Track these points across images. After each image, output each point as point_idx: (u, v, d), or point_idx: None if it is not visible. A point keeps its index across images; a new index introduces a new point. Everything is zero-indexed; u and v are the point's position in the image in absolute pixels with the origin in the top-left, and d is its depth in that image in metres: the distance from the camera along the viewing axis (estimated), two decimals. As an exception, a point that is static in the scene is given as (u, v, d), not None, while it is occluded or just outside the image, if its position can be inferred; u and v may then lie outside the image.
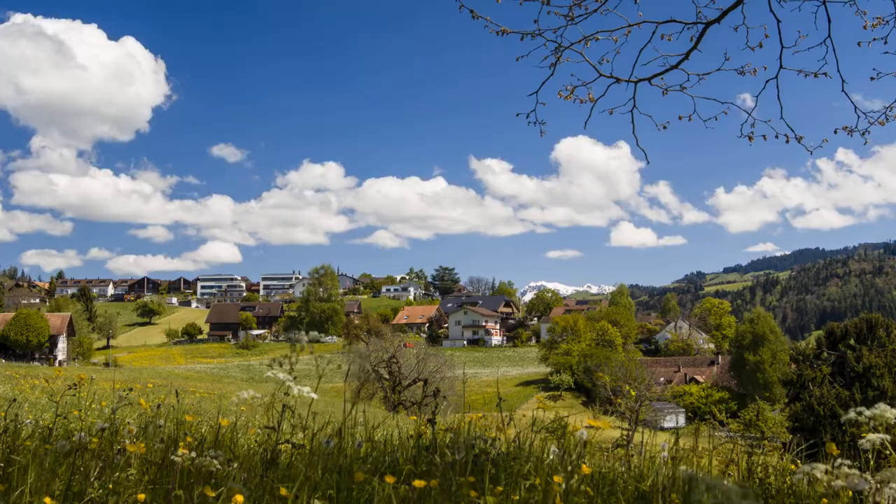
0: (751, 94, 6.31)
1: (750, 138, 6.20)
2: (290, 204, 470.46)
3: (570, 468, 3.56)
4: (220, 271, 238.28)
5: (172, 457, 3.02)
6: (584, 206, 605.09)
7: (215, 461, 3.03)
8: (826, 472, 3.05)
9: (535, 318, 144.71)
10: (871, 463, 3.26)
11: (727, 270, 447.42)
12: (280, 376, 3.27)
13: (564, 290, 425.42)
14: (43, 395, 14.81)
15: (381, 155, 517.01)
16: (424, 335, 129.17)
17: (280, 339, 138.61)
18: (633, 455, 4.45)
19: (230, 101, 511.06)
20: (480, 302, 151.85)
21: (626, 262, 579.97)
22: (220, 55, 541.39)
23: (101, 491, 3.28)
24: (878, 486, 2.92)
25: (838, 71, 5.96)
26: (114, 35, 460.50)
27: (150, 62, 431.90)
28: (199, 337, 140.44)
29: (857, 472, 2.95)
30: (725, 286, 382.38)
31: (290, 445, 3.49)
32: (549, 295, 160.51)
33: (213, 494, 2.81)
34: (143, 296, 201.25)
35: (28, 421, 5.35)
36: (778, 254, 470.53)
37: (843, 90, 6.04)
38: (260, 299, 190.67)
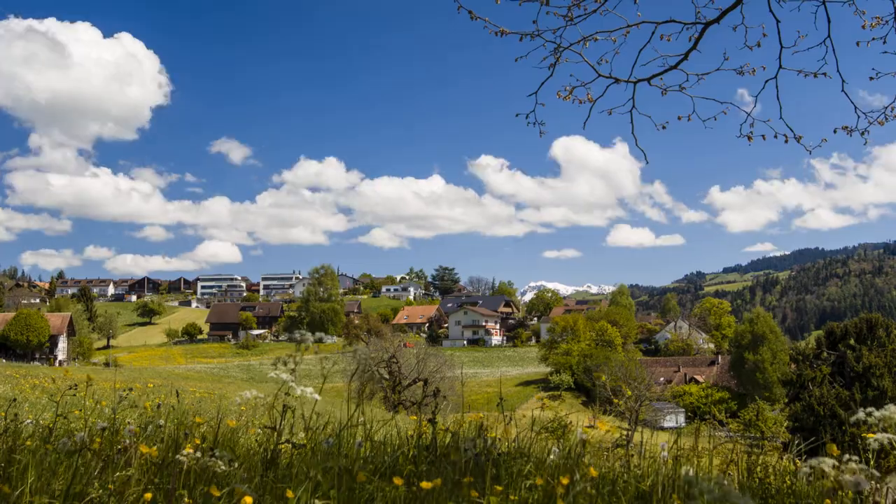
0: (750, 93, 6.31)
1: (749, 138, 6.20)
2: (290, 203, 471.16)
3: (576, 469, 3.56)
4: (220, 271, 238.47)
5: (177, 456, 3.03)
6: (584, 206, 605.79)
7: (220, 462, 3.04)
8: (834, 466, 3.05)
9: (535, 318, 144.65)
10: (872, 462, 3.26)
11: (727, 270, 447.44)
12: (283, 377, 3.27)
13: (564, 290, 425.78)
14: (43, 395, 14.81)
15: (380, 155, 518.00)
16: (424, 335, 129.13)
17: (280, 339, 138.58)
18: (633, 455, 4.45)
19: (230, 101, 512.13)
20: (480, 302, 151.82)
21: (626, 262, 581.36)
22: (220, 55, 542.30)
23: (101, 491, 3.28)
24: (879, 485, 2.93)
25: (838, 71, 5.97)
26: (114, 34, 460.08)
27: (150, 61, 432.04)
28: (200, 337, 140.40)
29: (864, 467, 2.95)
30: (725, 286, 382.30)
31: (290, 445, 3.50)
32: (549, 295, 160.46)
33: (218, 494, 2.81)
34: (144, 296, 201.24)
35: (28, 421, 5.36)
36: (778, 254, 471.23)
37: (842, 90, 6.05)
38: (260, 299, 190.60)
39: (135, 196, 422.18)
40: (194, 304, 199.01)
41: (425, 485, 2.91)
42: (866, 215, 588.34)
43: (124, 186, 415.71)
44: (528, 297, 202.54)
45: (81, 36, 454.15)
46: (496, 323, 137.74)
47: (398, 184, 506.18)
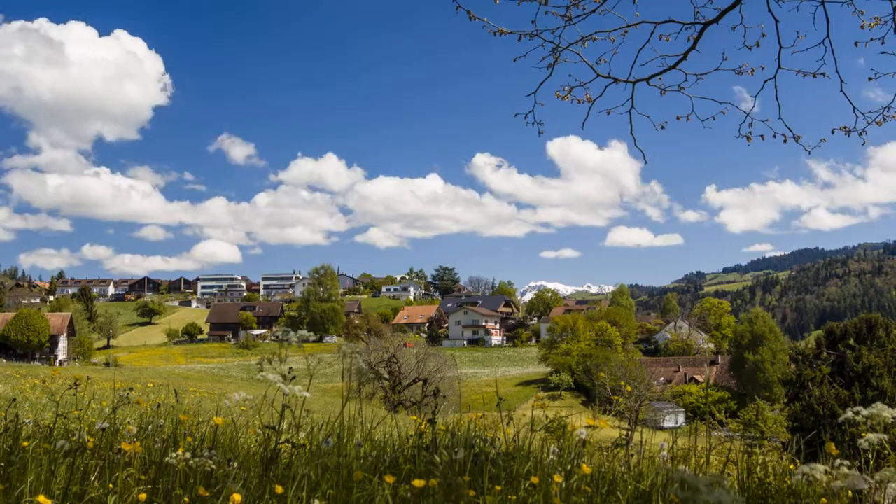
0: (750, 94, 6.32)
1: (748, 138, 6.20)
2: (289, 203, 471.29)
3: (569, 468, 3.56)
4: (221, 271, 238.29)
5: (167, 459, 3.03)
6: (583, 206, 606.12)
7: (210, 461, 3.04)
8: (826, 472, 3.05)
9: (535, 318, 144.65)
10: (871, 462, 3.26)
11: (727, 270, 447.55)
12: (270, 377, 3.26)
13: (564, 290, 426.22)
14: (43, 395, 14.81)
15: (380, 154, 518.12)
16: (424, 335, 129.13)
17: (280, 339, 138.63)
18: (632, 455, 4.46)
19: (229, 101, 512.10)
20: (480, 302, 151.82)
21: (626, 262, 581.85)
22: (220, 54, 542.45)
23: (101, 490, 3.28)
24: (878, 485, 2.93)
25: (837, 71, 5.97)
26: (112, 33, 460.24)
27: (151, 61, 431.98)
28: (200, 337, 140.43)
29: (856, 472, 2.95)
30: (725, 286, 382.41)
31: (289, 445, 3.50)
32: (549, 295, 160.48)
33: (207, 494, 2.81)
34: (144, 296, 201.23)
35: (28, 420, 5.36)
36: (777, 254, 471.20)
37: (841, 90, 6.05)
38: (260, 299, 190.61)
39: (134, 195, 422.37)
40: (194, 304, 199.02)
41: (418, 483, 2.92)
42: (866, 215, 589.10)
43: (123, 186, 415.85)
44: (528, 297, 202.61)
45: (79, 34, 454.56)
46: (496, 323, 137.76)
47: (398, 183, 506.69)
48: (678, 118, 6.40)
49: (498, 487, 3.21)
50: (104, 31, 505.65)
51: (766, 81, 6.10)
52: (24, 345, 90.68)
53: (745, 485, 4.01)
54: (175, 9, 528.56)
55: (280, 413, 3.52)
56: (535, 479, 3.25)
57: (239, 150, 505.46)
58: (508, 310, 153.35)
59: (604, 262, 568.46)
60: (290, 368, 3.46)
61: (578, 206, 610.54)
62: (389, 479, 2.97)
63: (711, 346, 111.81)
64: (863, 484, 2.87)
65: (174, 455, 3.03)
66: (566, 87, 6.27)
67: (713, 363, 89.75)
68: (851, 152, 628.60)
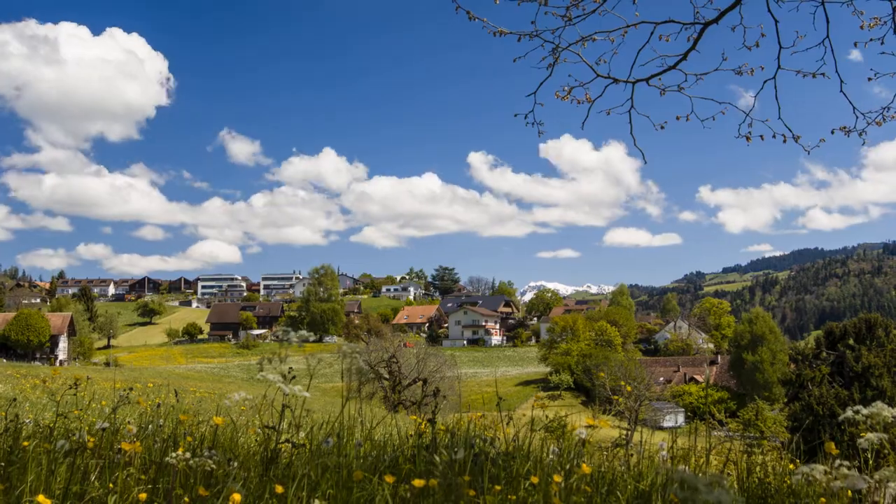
0: (749, 93, 6.32)
1: (747, 138, 6.20)
2: (289, 203, 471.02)
3: (569, 467, 3.57)
4: (221, 271, 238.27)
5: (167, 458, 3.03)
6: (582, 206, 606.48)
7: (210, 461, 3.04)
8: (825, 472, 3.05)
9: (535, 318, 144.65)
10: (871, 462, 3.26)
11: (726, 270, 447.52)
12: (270, 377, 3.27)
13: (564, 290, 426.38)
14: (43, 395, 14.82)
15: (379, 154, 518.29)
16: (424, 335, 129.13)
17: (280, 339, 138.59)
18: (632, 454, 4.46)
19: (228, 101, 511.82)
20: (480, 302, 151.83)
21: (625, 262, 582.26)
22: (220, 54, 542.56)
23: (101, 490, 3.29)
24: (877, 485, 2.93)
25: (836, 71, 5.97)
26: (112, 33, 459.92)
27: (149, 60, 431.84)
28: (200, 337, 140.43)
29: (855, 472, 2.95)
30: (725, 286, 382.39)
31: (289, 445, 3.50)
32: (549, 295, 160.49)
33: (207, 493, 2.82)
34: (144, 296, 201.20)
35: (28, 420, 5.36)
36: (777, 254, 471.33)
37: (841, 90, 6.05)
38: (260, 299, 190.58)
39: (133, 195, 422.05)
40: (195, 304, 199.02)
41: (418, 483, 2.92)
42: (865, 215, 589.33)
43: (122, 185, 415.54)
44: (528, 297, 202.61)
45: (78, 33, 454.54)
46: (496, 323, 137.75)
47: (396, 183, 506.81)
48: (678, 118, 6.41)
49: (498, 487, 3.21)
50: (98, 31, 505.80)
51: (765, 81, 6.10)
52: (25, 345, 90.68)
53: (745, 485, 4.02)
54: (175, 9, 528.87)
55: (280, 413, 3.52)
56: (534, 479, 3.25)
57: (238, 150, 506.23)
58: (508, 310, 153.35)
59: (603, 262, 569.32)
60: (290, 368, 3.46)
61: (577, 205, 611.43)
62: (389, 478, 2.97)
63: (711, 346, 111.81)
64: (862, 484, 2.87)
65: (174, 455, 3.03)
66: (566, 88, 6.27)
67: (713, 363, 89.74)
68: (851, 152, 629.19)
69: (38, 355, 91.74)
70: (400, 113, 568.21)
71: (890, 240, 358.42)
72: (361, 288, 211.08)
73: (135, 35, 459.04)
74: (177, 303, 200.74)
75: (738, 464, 4.21)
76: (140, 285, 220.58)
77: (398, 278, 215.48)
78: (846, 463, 2.98)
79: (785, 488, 3.87)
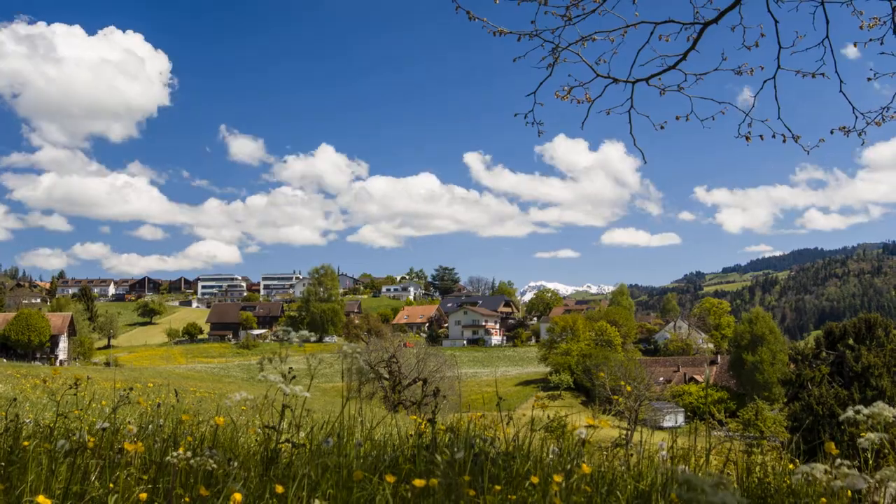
0: (750, 93, 6.32)
1: (747, 138, 6.20)
2: (288, 203, 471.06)
3: (569, 467, 3.57)
4: (221, 271, 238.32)
5: (167, 458, 3.03)
6: (582, 206, 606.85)
7: (211, 461, 3.04)
8: (825, 471, 3.05)
9: (535, 318, 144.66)
10: (871, 462, 3.26)
11: (726, 270, 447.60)
12: (270, 377, 3.27)
13: (564, 290, 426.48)
14: (44, 395, 14.82)
15: (379, 154, 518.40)
16: (424, 335, 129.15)
17: (281, 339, 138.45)
18: (632, 454, 4.46)
19: (228, 101, 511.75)
20: (480, 302, 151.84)
21: (625, 262, 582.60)
22: (220, 54, 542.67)
23: (101, 490, 3.29)
24: (878, 485, 2.93)
25: (836, 71, 5.97)
26: (110, 32, 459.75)
27: (150, 60, 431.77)
28: (200, 337, 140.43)
29: (856, 472, 2.95)
30: (725, 286, 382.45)
31: (290, 445, 3.50)
32: (549, 295, 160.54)
33: (208, 493, 2.82)
34: (144, 296, 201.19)
35: (28, 420, 5.37)
36: (777, 254, 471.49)
37: (840, 90, 6.05)
38: (260, 299, 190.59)
39: (132, 195, 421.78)
40: (195, 304, 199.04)
41: (418, 482, 2.92)
42: (865, 215, 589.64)
43: (121, 185, 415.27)
44: (528, 297, 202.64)
45: (77, 32, 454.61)
46: (496, 323, 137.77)
47: (395, 183, 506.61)
48: (678, 118, 6.41)
49: (498, 487, 3.21)
50: (97, 30, 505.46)
51: (765, 81, 6.11)
52: (25, 345, 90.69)
53: (745, 484, 4.02)
54: (175, 9, 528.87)
55: (280, 413, 3.52)
56: (534, 479, 3.26)
57: (237, 150, 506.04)
58: (508, 310, 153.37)
59: (603, 262, 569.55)
60: (291, 368, 3.46)
61: (577, 205, 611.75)
62: (390, 478, 2.97)
63: (711, 345, 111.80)
64: (862, 483, 2.87)
65: (175, 454, 3.04)
66: (566, 87, 6.27)
67: (713, 363, 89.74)
68: (851, 152, 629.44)
69: (38, 355, 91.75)
70: (399, 113, 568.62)
71: (890, 240, 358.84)
72: (361, 288, 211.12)
73: (136, 35, 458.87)
74: (177, 303, 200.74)
75: (738, 464, 4.22)
76: (140, 285, 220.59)
77: (398, 278, 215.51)
78: (846, 462, 2.98)
79: (785, 488, 3.87)
